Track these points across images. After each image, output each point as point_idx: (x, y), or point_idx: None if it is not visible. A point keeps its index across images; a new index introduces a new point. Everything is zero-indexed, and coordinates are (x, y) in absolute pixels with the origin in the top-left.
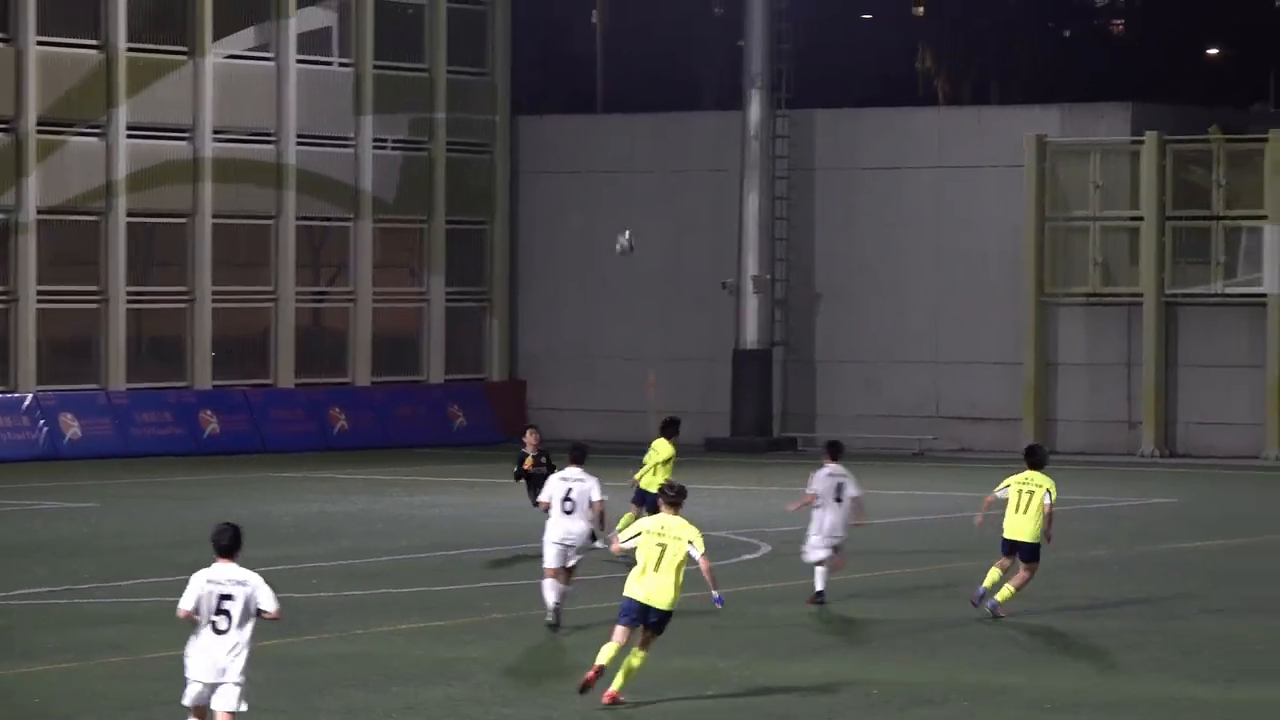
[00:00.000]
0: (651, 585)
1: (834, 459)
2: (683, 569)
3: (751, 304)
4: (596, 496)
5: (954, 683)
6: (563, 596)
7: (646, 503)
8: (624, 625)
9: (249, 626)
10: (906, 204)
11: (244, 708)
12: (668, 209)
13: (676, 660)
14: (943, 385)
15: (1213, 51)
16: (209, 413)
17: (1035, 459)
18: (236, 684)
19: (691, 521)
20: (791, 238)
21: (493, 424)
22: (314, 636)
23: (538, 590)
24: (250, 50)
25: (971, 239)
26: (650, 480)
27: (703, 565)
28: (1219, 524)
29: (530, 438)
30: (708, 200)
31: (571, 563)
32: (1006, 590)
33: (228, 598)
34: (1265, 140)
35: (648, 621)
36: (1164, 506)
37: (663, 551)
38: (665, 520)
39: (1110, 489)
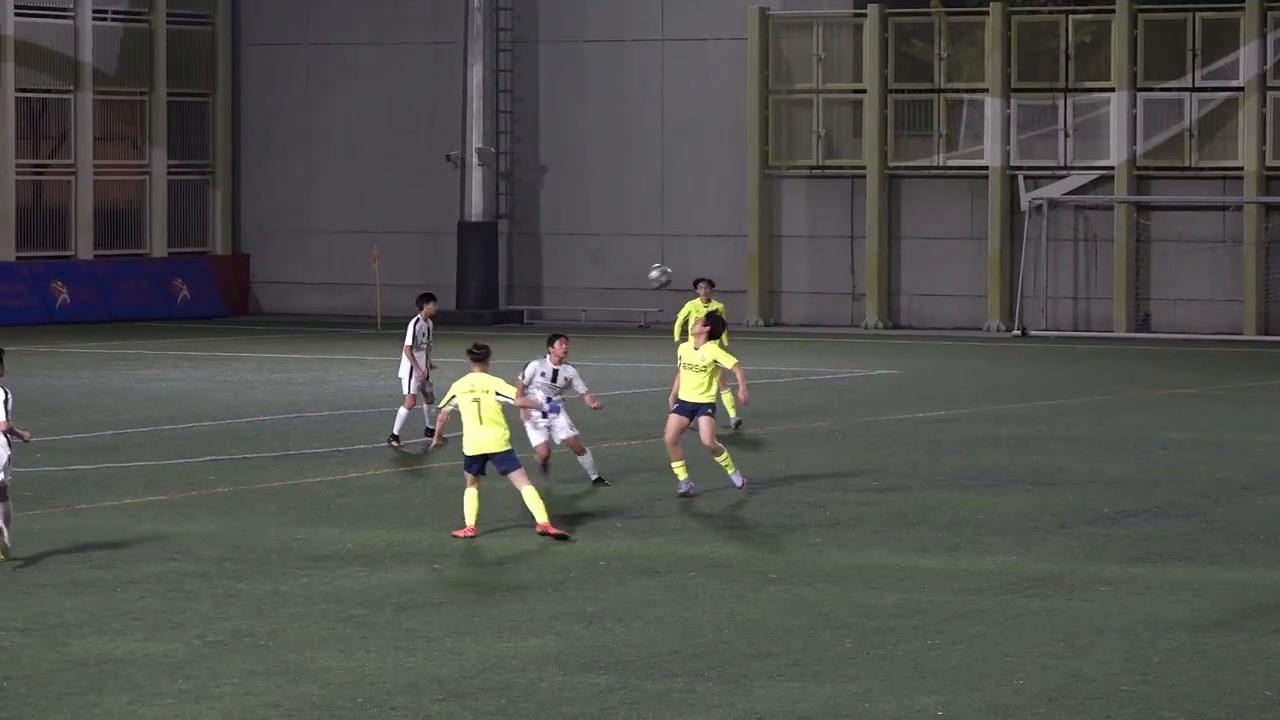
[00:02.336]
0: (481, 437)
1: None
2: (501, 413)
3: (476, 176)
4: None
5: (679, 555)
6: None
7: None
8: (471, 474)
9: None
10: (631, 77)
11: None
12: (391, 81)
13: (400, 533)
14: (668, 258)
15: None
16: None
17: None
18: None
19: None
20: (516, 110)
21: (216, 297)
22: (38, 511)
23: (263, 464)
24: None
25: (695, 112)
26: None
27: (517, 402)
28: (941, 396)
29: None
30: (431, 72)
31: None
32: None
33: None
34: (985, 13)
35: (494, 468)
36: (887, 378)
37: (479, 405)
38: (474, 378)
39: (833, 361)
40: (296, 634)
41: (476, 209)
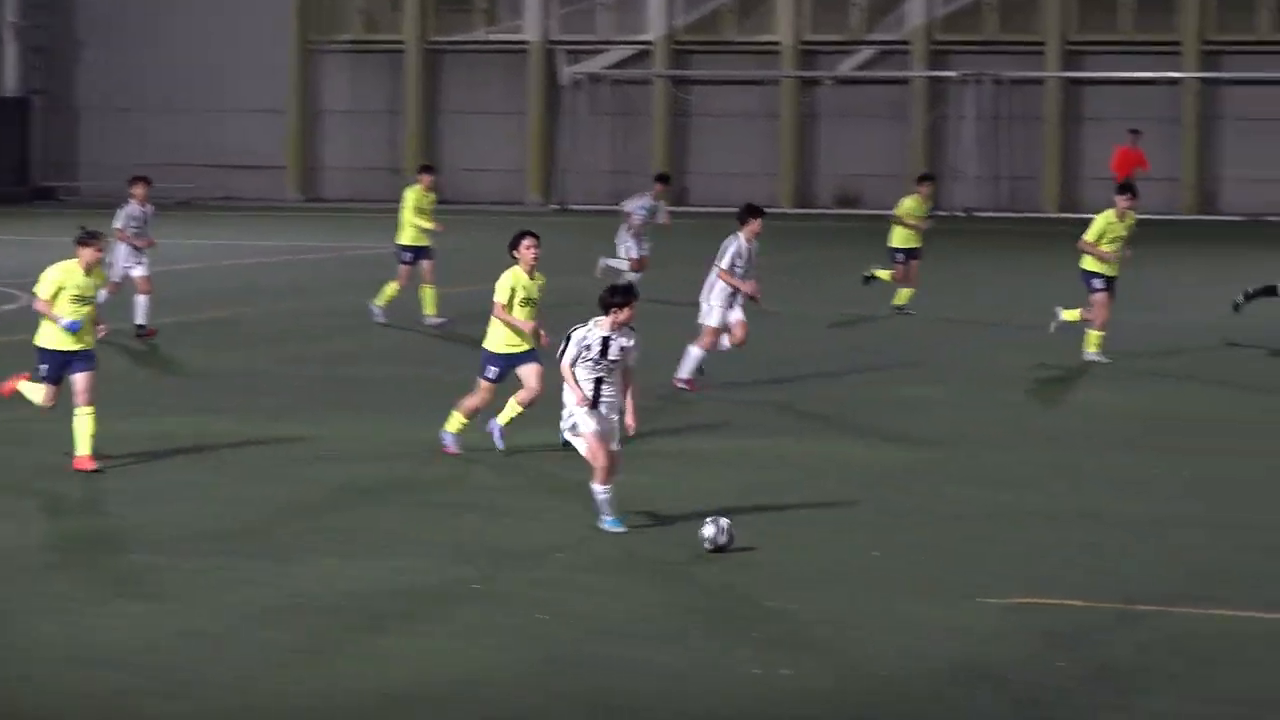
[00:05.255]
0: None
1: None
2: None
3: (11, 50)
4: None
5: (226, 432)
6: None
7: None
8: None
9: None
10: None
11: None
12: None
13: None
14: (209, 133)
15: None
16: None
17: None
18: None
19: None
20: None
21: None
22: None
23: None
24: None
25: None
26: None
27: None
28: (477, 271)
29: None
30: None
31: None
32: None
33: None
34: None
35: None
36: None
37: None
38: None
39: (375, 235)
40: None
41: (9, 83)
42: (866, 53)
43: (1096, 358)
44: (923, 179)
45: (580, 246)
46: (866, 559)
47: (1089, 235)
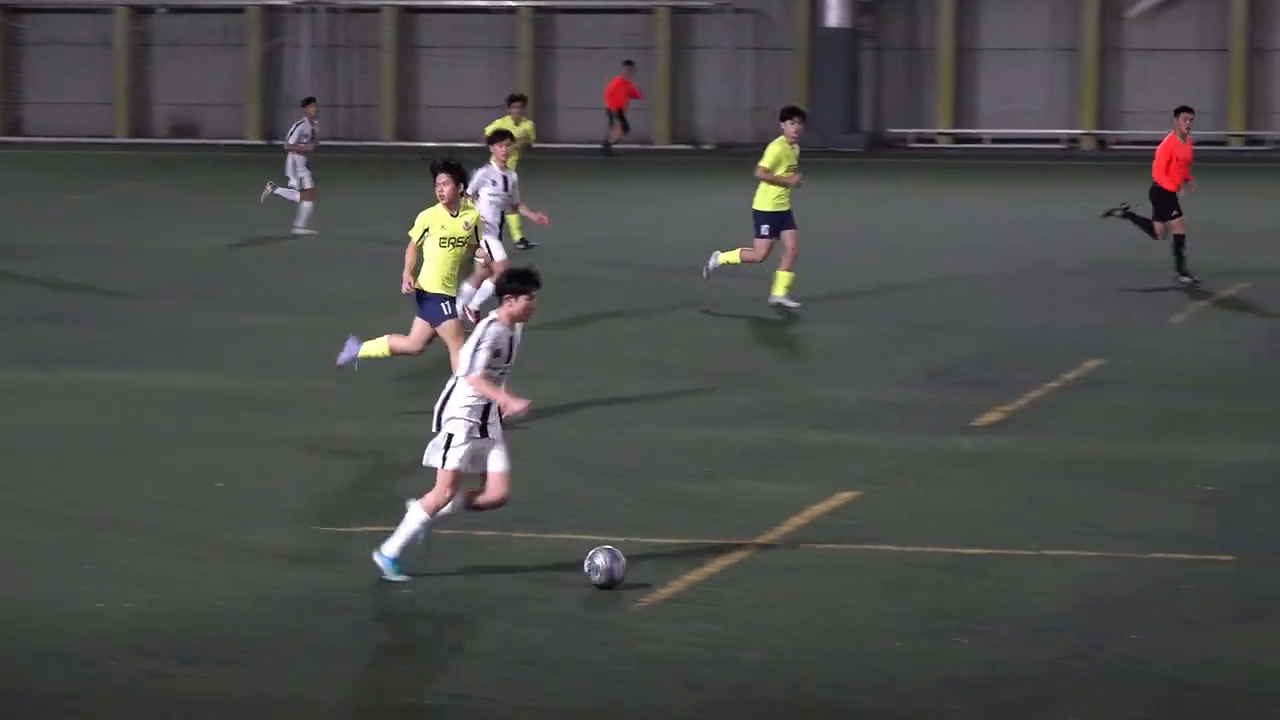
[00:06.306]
0: None
1: None
2: None
3: None
4: None
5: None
6: None
7: None
8: None
9: None
10: None
11: None
12: None
13: None
14: None
15: None
16: None
17: None
18: None
19: None
20: None
21: None
22: None
23: None
24: None
25: None
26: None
27: None
28: None
29: None
30: None
31: None
32: None
33: None
34: None
35: None
36: None
37: None
38: None
39: None
40: None
41: None
42: None
43: (785, 301)
44: (513, 99)
45: None
46: (210, 491)
47: (765, 163)
